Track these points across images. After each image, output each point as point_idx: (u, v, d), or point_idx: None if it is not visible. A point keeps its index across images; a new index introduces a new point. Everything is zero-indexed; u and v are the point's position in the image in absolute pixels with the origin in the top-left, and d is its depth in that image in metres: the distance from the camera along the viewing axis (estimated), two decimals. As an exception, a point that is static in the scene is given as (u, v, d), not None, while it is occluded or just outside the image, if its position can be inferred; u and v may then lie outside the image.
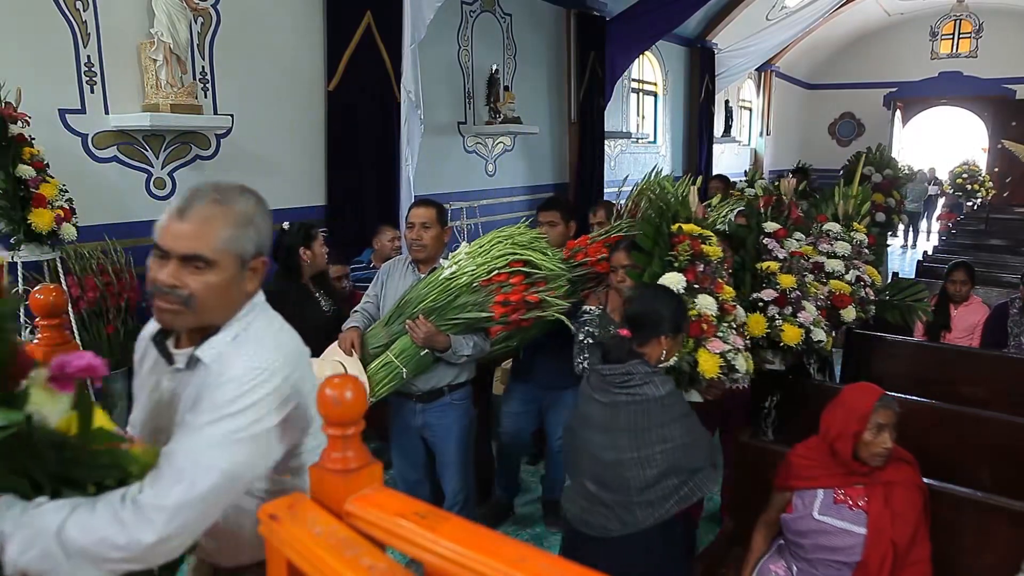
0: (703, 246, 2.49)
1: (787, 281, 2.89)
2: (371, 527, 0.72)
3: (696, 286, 2.40)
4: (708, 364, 2.31)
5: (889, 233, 6.12)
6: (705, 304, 2.37)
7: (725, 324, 2.41)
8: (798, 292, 2.89)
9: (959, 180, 11.51)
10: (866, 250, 3.52)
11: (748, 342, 2.55)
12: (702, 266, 2.45)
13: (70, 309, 3.34)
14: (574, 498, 2.12)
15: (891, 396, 2.22)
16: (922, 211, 12.34)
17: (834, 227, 3.50)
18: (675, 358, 2.23)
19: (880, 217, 5.87)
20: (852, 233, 3.49)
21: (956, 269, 4.45)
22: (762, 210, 3.24)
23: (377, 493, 0.77)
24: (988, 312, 4.36)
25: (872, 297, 3.43)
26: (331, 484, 0.77)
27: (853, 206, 3.67)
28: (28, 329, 3.40)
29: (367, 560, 0.67)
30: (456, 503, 2.85)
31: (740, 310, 2.54)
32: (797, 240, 3.21)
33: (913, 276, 6.37)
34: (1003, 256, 7.19)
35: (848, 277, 3.28)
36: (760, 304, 2.86)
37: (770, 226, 3.11)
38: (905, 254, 11.55)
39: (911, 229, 12.12)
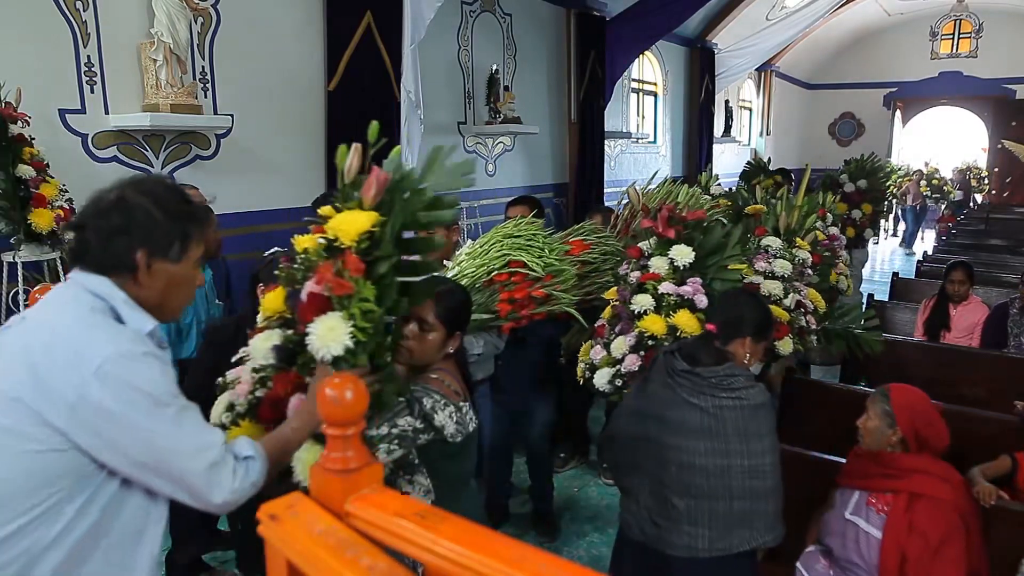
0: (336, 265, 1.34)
1: (641, 300, 2.46)
2: (371, 527, 0.73)
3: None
4: None
5: (840, 245, 5.84)
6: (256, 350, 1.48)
7: None
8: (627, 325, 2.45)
9: (935, 180, 11.82)
10: (809, 271, 3.12)
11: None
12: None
13: (70, 309, 3.33)
14: (648, 516, 1.94)
15: (886, 389, 2.25)
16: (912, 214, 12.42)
17: (773, 242, 3.03)
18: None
19: (833, 230, 5.74)
20: (794, 251, 3.06)
21: (955, 269, 4.45)
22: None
23: (377, 493, 0.77)
24: (988, 312, 4.36)
25: (813, 326, 2.95)
26: (331, 484, 0.77)
27: (797, 219, 3.17)
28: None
29: (367, 560, 0.67)
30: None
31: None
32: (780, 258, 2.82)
33: (913, 276, 6.38)
34: (1003, 256, 7.20)
35: (787, 302, 2.82)
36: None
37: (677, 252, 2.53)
38: (894, 257, 11.57)
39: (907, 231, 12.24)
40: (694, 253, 2.49)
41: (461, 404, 1.72)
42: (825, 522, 2.28)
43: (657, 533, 1.91)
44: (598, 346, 2.51)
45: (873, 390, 2.30)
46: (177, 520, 2.84)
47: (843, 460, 2.47)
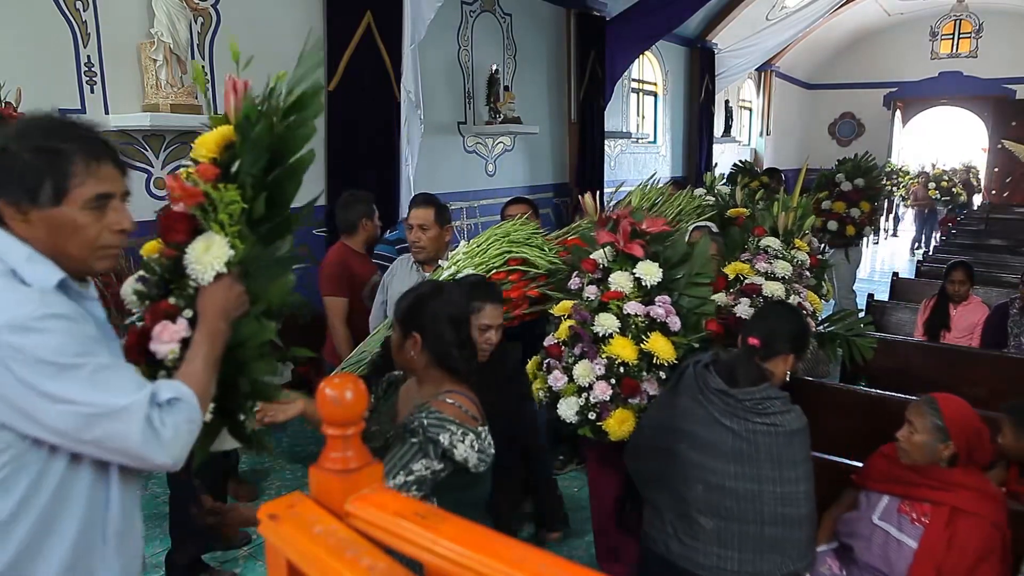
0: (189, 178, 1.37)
1: (607, 322, 2.20)
2: (371, 527, 0.72)
3: None
4: None
5: (827, 247, 5.62)
6: None
7: None
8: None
9: (943, 183, 11.84)
10: (807, 272, 3.06)
11: None
12: None
13: (70, 309, 3.33)
14: (673, 533, 1.88)
15: (932, 399, 2.13)
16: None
17: (773, 243, 2.95)
18: None
19: (832, 225, 5.59)
20: (793, 252, 2.99)
21: (955, 269, 4.46)
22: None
23: (377, 493, 0.77)
24: (988, 312, 4.36)
25: (813, 328, 2.88)
26: (331, 484, 0.77)
27: (793, 220, 3.11)
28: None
29: (367, 560, 0.67)
30: None
31: None
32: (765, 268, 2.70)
33: (913, 276, 6.38)
34: (1003, 256, 7.20)
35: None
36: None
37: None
38: (894, 257, 11.58)
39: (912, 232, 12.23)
40: (660, 270, 2.22)
41: (479, 429, 1.60)
42: (847, 522, 2.22)
43: (683, 551, 1.86)
44: (557, 371, 2.23)
45: (871, 389, 2.26)
46: (177, 520, 2.86)
47: (845, 461, 2.46)
